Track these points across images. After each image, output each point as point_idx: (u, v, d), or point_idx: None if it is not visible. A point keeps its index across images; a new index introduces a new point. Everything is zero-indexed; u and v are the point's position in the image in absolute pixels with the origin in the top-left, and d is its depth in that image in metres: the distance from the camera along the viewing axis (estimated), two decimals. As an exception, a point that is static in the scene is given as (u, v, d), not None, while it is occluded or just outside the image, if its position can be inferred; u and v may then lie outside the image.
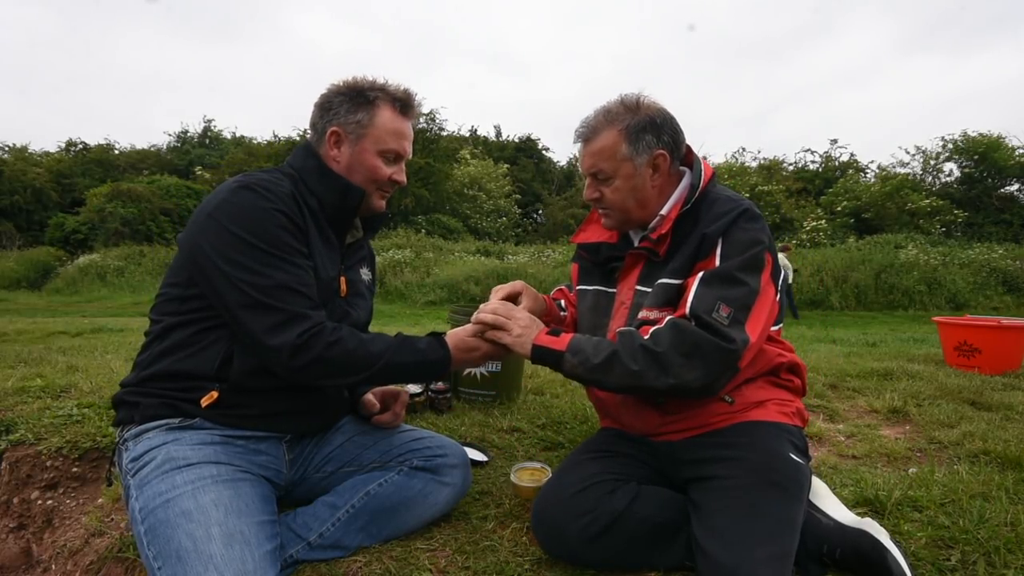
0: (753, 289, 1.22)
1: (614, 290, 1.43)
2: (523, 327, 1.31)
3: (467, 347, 1.32)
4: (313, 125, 1.37)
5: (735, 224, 1.25)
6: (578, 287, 1.54)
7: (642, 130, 1.30)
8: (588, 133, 1.35)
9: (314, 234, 1.29)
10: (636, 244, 1.40)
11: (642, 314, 1.30)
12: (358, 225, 1.47)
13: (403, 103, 1.36)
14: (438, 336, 1.32)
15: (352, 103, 1.32)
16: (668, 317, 1.21)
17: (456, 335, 1.32)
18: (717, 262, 1.22)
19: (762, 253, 1.24)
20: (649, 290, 1.32)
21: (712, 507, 1.17)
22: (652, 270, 1.34)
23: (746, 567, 1.05)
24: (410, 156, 1.41)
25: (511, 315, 1.33)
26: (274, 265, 1.17)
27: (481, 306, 1.38)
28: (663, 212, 1.34)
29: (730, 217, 1.26)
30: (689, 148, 1.39)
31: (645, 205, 1.35)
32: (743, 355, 1.17)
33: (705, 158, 1.40)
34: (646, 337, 1.20)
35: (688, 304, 1.19)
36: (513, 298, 1.46)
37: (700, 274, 1.22)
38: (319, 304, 1.23)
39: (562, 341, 1.26)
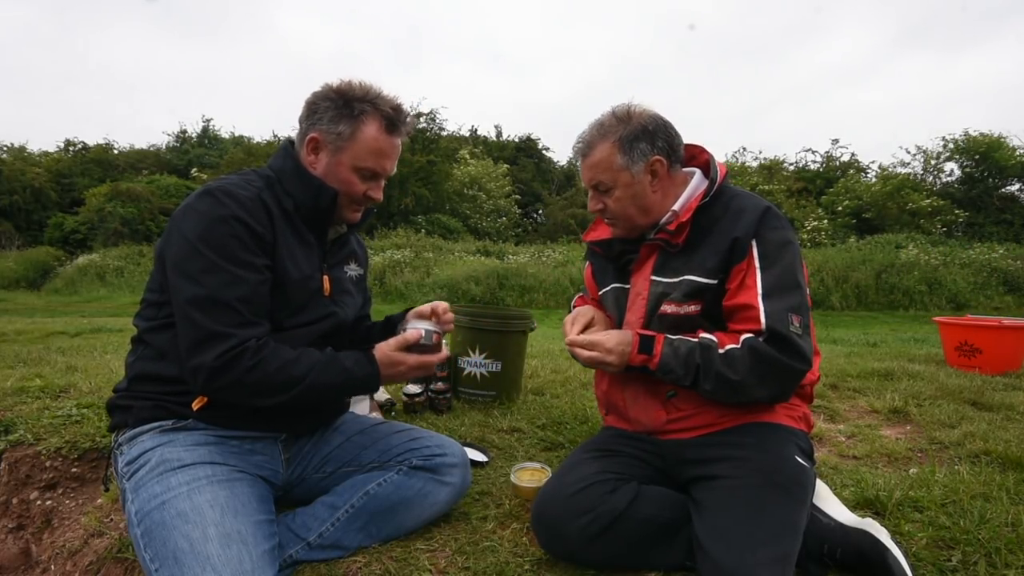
0: (805, 289, 1.28)
1: (629, 285, 1.44)
2: (616, 355, 1.30)
3: (392, 362, 1.27)
4: (300, 122, 1.34)
5: (763, 223, 1.28)
6: (600, 292, 1.54)
7: (635, 139, 1.33)
8: (585, 148, 1.38)
9: (286, 236, 1.27)
10: (651, 236, 1.40)
11: (671, 309, 1.33)
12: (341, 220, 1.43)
13: (391, 121, 1.31)
14: (367, 352, 1.28)
15: (337, 112, 1.28)
16: (744, 337, 1.23)
17: (382, 350, 1.27)
18: (757, 263, 1.26)
19: (797, 250, 1.30)
20: (669, 280, 1.34)
21: (715, 506, 1.17)
22: (668, 260, 1.37)
23: (746, 569, 1.05)
24: (392, 173, 1.37)
25: (598, 347, 1.31)
26: (215, 274, 1.15)
27: (570, 339, 1.37)
28: (675, 208, 1.36)
29: (756, 215, 1.29)
30: (702, 148, 1.42)
31: (648, 211, 1.37)
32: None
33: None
34: (722, 351, 1.23)
35: (762, 320, 1.22)
36: (588, 327, 1.46)
37: (759, 288, 1.24)
38: (255, 321, 1.19)
39: (654, 360, 1.28)
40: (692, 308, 1.31)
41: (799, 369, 1.21)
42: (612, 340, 1.31)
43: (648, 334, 1.31)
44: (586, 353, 1.32)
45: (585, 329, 1.42)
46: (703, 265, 1.31)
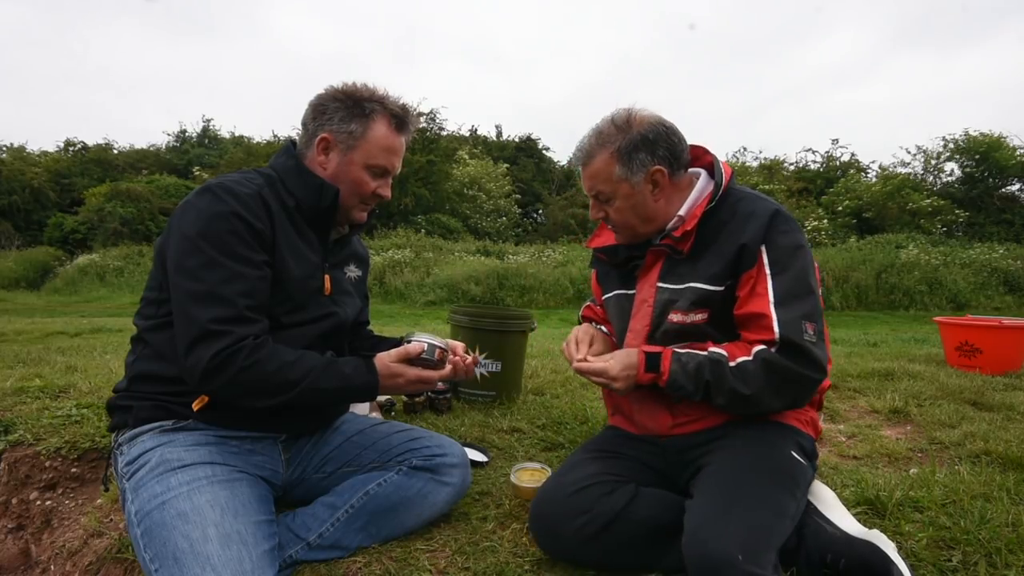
0: (818, 294, 1.26)
1: (634, 291, 1.42)
2: (623, 380, 1.29)
3: (391, 373, 1.26)
4: (304, 124, 1.34)
5: (772, 227, 1.25)
6: (603, 297, 1.53)
7: (634, 149, 1.29)
8: (584, 157, 1.36)
9: (288, 234, 1.27)
10: (657, 241, 1.38)
11: (677, 317, 1.30)
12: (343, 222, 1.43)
13: (399, 119, 1.34)
14: (367, 360, 1.27)
15: (347, 112, 1.30)
16: (757, 350, 1.20)
17: (382, 360, 1.27)
18: (768, 270, 1.23)
19: (809, 254, 1.27)
20: (675, 287, 1.32)
21: (698, 490, 1.17)
22: (675, 267, 1.34)
23: (715, 539, 1.02)
24: (398, 172, 1.39)
25: (604, 373, 1.29)
26: (214, 270, 1.15)
27: (576, 366, 1.34)
28: (681, 213, 1.33)
29: (764, 220, 1.25)
30: (705, 149, 1.39)
31: (651, 220, 1.35)
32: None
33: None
34: (733, 365, 1.21)
35: (775, 330, 1.19)
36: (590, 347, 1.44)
37: (771, 296, 1.21)
38: (253, 318, 1.18)
39: (662, 378, 1.26)
40: (699, 317, 1.29)
41: (815, 378, 1.21)
42: (617, 366, 1.28)
43: (654, 351, 1.28)
44: (593, 378, 1.32)
45: (589, 347, 1.41)
46: (708, 271, 1.28)
